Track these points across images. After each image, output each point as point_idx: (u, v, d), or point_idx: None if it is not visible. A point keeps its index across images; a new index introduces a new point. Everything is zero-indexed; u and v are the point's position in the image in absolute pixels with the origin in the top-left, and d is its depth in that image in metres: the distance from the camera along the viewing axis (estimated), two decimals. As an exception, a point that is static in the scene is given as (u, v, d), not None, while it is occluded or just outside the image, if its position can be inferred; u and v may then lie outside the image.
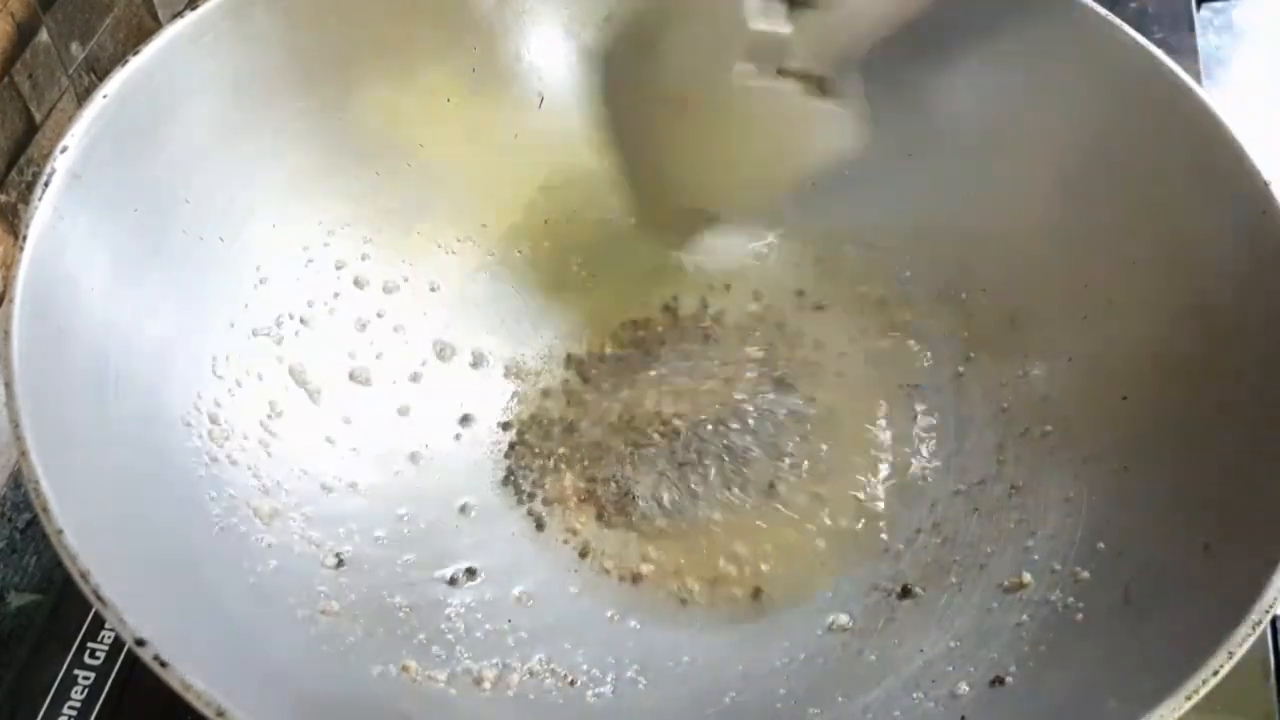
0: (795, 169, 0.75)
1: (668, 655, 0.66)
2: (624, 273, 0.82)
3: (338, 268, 0.75)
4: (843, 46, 0.68)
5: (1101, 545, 0.64)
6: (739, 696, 0.64)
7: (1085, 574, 0.63)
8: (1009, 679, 0.60)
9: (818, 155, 0.73)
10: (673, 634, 0.68)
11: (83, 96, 0.79)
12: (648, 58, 0.77)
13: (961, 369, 0.76)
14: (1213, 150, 0.66)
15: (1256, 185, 0.64)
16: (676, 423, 0.76)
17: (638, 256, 0.82)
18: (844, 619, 0.67)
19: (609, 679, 0.65)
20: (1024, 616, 0.63)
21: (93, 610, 0.59)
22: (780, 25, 0.68)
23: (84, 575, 0.48)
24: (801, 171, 0.74)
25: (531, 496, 0.73)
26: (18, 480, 0.79)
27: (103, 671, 0.69)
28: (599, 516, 0.72)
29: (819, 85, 0.69)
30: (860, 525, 0.72)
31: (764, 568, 0.70)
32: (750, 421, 0.76)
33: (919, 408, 0.76)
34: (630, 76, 0.78)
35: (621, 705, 0.64)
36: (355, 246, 0.76)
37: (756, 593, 0.69)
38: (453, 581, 0.68)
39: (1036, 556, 0.66)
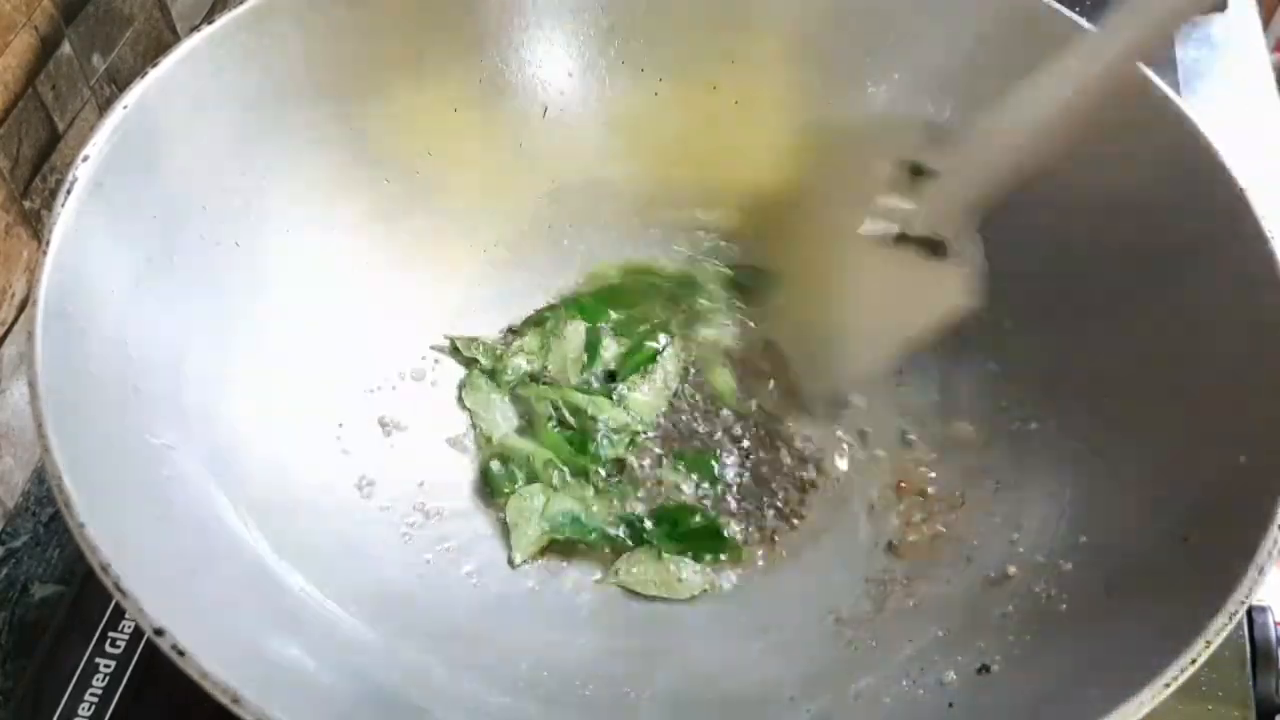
0: (911, 328, 0.73)
1: (664, 642, 0.68)
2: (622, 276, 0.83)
3: (348, 270, 0.76)
4: (961, 212, 0.68)
5: (1084, 538, 0.65)
6: (731, 683, 0.66)
7: (1068, 566, 0.64)
8: (995, 667, 0.61)
9: (932, 315, 0.71)
10: (668, 621, 0.69)
11: (104, 107, 0.79)
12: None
13: (949, 368, 0.77)
14: (1191, 158, 0.67)
15: (1232, 191, 0.65)
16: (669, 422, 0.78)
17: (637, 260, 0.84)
18: (835, 609, 0.68)
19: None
20: (1009, 607, 0.64)
21: (113, 601, 0.60)
22: (904, 199, 0.69)
23: (104, 567, 0.49)
24: (918, 331, 0.72)
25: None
26: (41, 476, 0.80)
27: (123, 660, 0.69)
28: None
29: (936, 248, 0.69)
30: (852, 519, 0.73)
31: (757, 561, 0.72)
32: (740, 423, 0.77)
33: (908, 406, 0.77)
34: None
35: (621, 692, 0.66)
36: (364, 250, 0.77)
37: (749, 584, 0.71)
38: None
39: (1021, 549, 0.67)
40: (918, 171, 0.68)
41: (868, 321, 0.73)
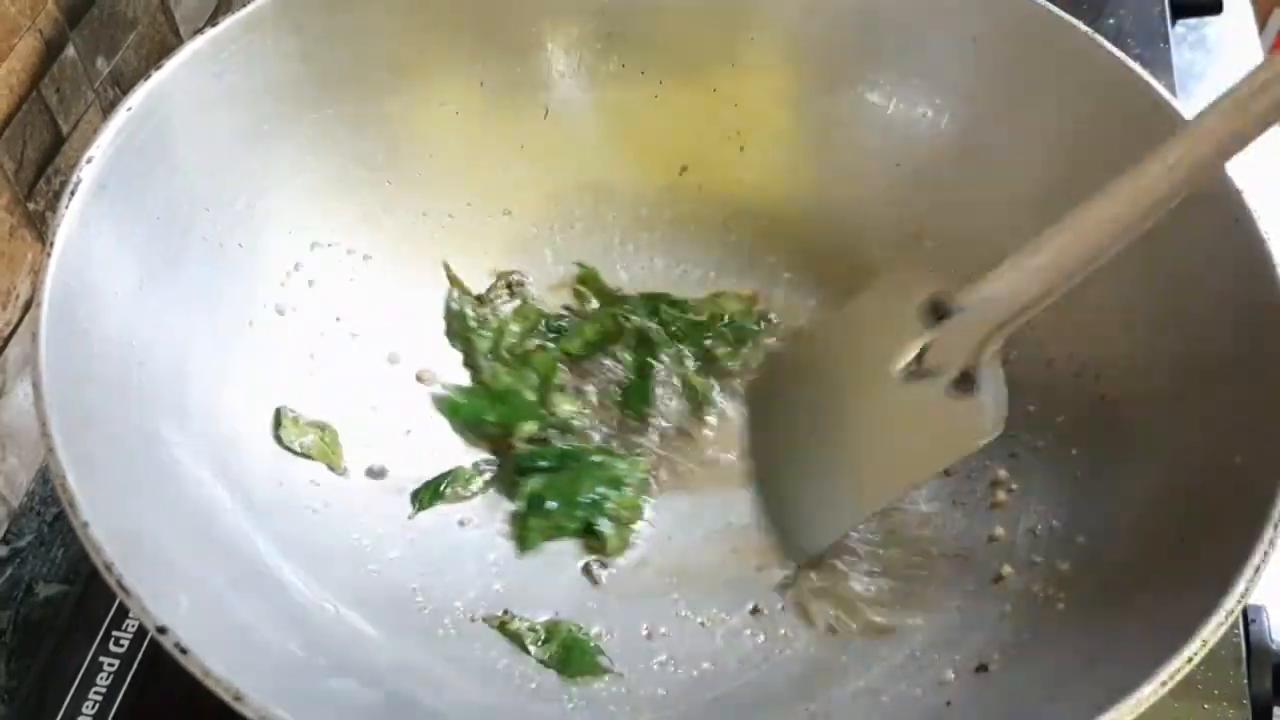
0: (935, 463, 0.70)
1: (665, 641, 0.68)
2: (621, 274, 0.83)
3: (350, 271, 0.76)
4: (980, 344, 0.65)
5: (1081, 539, 0.65)
6: (734, 683, 0.66)
7: (1066, 566, 0.64)
8: (993, 666, 0.61)
9: (953, 450, 0.69)
10: (670, 620, 0.69)
11: (108, 109, 0.79)
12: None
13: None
14: (1188, 160, 0.67)
15: (1229, 193, 0.65)
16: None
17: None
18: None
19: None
20: (1007, 607, 0.65)
21: (117, 600, 0.61)
22: (924, 334, 0.67)
23: (108, 567, 0.50)
24: (942, 464, 0.71)
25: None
26: (45, 476, 0.80)
27: (127, 658, 0.70)
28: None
29: (959, 382, 0.66)
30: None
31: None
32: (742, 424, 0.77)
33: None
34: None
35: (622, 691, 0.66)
36: (365, 251, 0.77)
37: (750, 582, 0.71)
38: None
39: (1019, 549, 0.67)
40: (939, 310, 0.66)
41: (882, 462, 0.71)
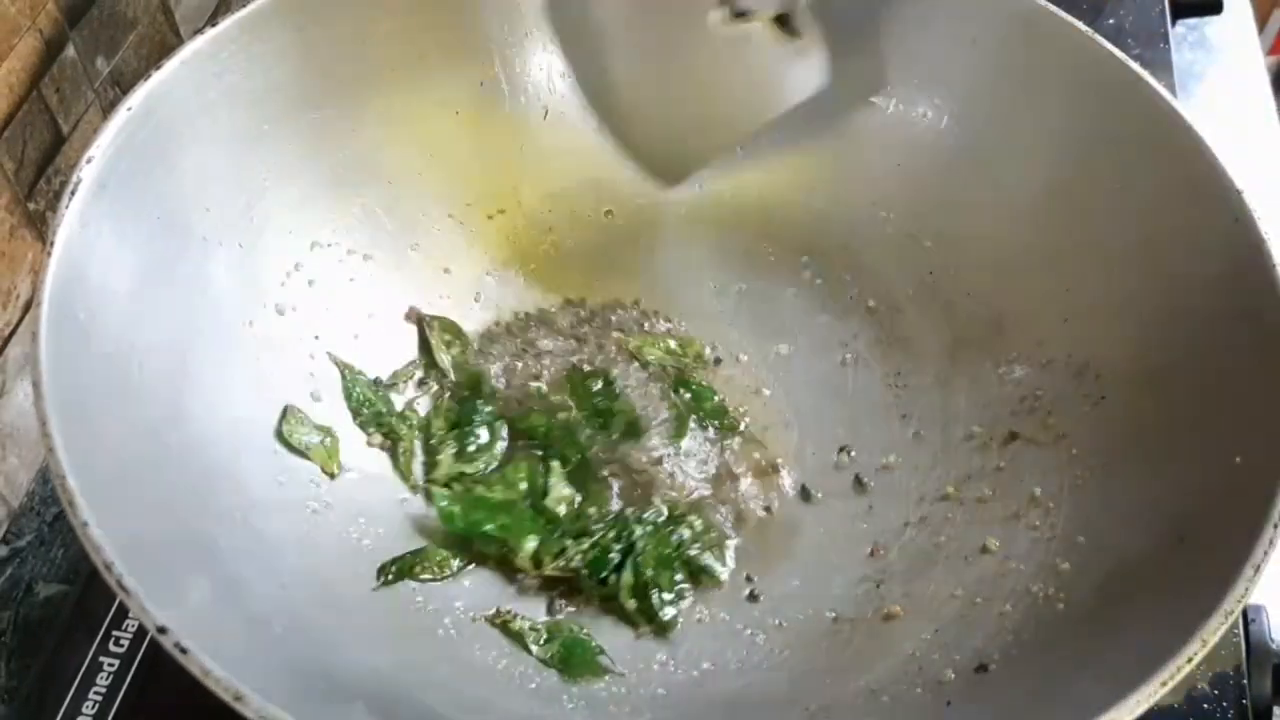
0: (765, 106, 0.74)
1: (666, 642, 0.68)
2: (622, 274, 0.83)
3: (350, 271, 0.76)
4: None
5: (1081, 539, 0.65)
6: (734, 683, 0.66)
7: (1065, 566, 0.64)
8: (993, 666, 0.61)
9: (786, 92, 0.72)
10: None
11: (108, 109, 0.79)
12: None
13: (947, 370, 0.77)
14: (1187, 160, 0.67)
15: (1229, 193, 0.65)
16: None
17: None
18: (835, 609, 0.69)
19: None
20: (1007, 607, 0.64)
21: (117, 600, 0.61)
22: None
23: (108, 566, 0.50)
24: (771, 108, 0.73)
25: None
26: (45, 476, 0.80)
27: (127, 658, 0.70)
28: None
29: (780, 24, 0.68)
30: (850, 520, 0.73)
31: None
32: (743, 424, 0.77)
33: (907, 407, 0.77)
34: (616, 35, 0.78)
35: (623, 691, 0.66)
36: (367, 252, 0.77)
37: (749, 580, 0.71)
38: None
39: (1019, 548, 0.67)
40: None
41: (720, 107, 0.73)
